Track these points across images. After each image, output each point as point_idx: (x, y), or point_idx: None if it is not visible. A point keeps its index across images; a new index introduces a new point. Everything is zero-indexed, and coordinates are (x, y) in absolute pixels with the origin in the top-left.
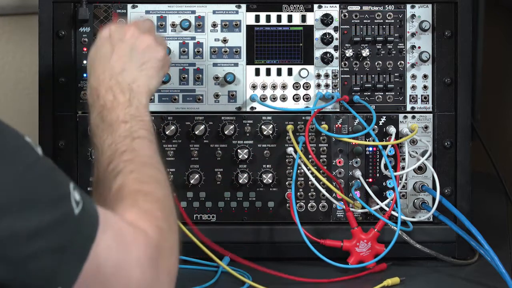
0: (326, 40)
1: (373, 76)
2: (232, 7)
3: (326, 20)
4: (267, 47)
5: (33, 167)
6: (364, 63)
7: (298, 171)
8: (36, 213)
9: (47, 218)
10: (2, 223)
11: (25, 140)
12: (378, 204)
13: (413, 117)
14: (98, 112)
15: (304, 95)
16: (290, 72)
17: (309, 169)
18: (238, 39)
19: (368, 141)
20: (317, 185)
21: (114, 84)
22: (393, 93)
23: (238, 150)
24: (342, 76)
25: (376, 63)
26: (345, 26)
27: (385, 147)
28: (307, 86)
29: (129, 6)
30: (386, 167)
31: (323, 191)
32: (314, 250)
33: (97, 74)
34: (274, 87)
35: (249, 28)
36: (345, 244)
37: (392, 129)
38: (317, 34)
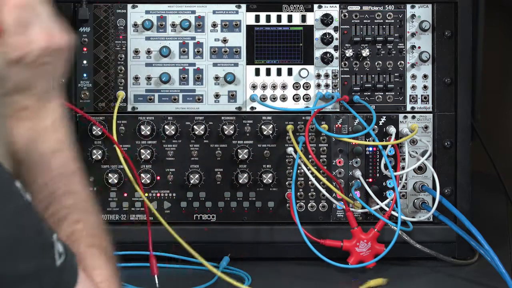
0: (326, 40)
1: (373, 76)
2: (232, 7)
3: (326, 20)
4: (267, 47)
5: (22, 212)
6: (364, 63)
7: (298, 171)
8: (23, 258)
9: (32, 264)
10: None
11: (15, 185)
12: (378, 204)
13: (413, 117)
14: None
15: (304, 95)
16: (290, 72)
17: (309, 169)
18: (238, 39)
19: (368, 141)
20: (317, 185)
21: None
22: (393, 93)
23: (238, 150)
24: (342, 76)
25: (376, 63)
26: (345, 26)
27: (385, 147)
28: (307, 86)
29: (129, 6)
30: (386, 167)
31: (323, 191)
32: (314, 250)
33: None
34: (274, 87)
35: (249, 28)
36: (345, 244)
37: (392, 129)
38: (317, 34)
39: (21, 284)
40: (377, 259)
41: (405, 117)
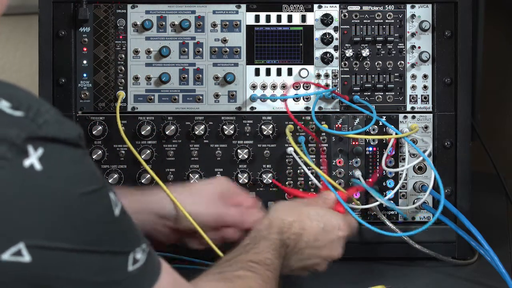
0: (326, 40)
1: (373, 76)
2: (232, 7)
3: (326, 20)
4: (267, 47)
5: (99, 225)
6: (364, 63)
7: (298, 171)
8: (94, 270)
9: (102, 276)
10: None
11: (108, 197)
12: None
13: (413, 117)
14: (279, 237)
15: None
16: (290, 72)
17: (309, 169)
18: (238, 39)
19: (368, 141)
20: (318, 184)
21: (302, 248)
22: (393, 93)
23: (238, 150)
24: (342, 76)
25: (376, 63)
26: (345, 26)
27: (385, 145)
28: (307, 86)
29: (129, 6)
30: (387, 165)
31: None
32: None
33: (296, 223)
34: (274, 87)
35: (249, 28)
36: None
37: (392, 129)
38: (317, 34)
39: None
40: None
41: (405, 117)
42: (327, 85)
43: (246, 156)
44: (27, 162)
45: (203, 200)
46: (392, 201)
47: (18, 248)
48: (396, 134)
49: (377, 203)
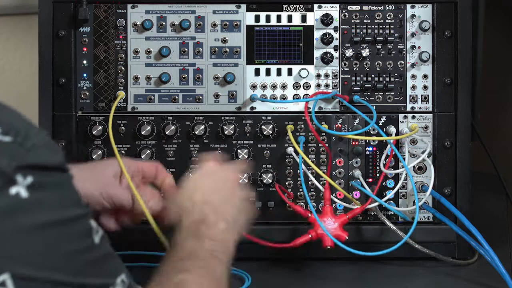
0: (326, 40)
1: (373, 76)
2: (232, 7)
3: (326, 20)
4: (267, 47)
5: (76, 256)
6: (364, 63)
7: (298, 171)
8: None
9: None
10: None
11: (86, 225)
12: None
13: (413, 117)
14: (194, 220)
15: (304, 95)
16: (290, 72)
17: (309, 169)
18: (238, 39)
19: (368, 141)
20: (317, 184)
21: (221, 213)
22: (393, 93)
23: (238, 150)
24: (342, 76)
25: (376, 63)
26: (345, 26)
27: (385, 145)
28: (307, 86)
29: (129, 6)
30: (385, 165)
31: (324, 190)
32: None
33: (197, 199)
34: (274, 87)
35: (249, 28)
36: (313, 216)
37: (392, 129)
38: (317, 34)
39: None
40: (338, 244)
41: (405, 117)
42: (327, 85)
43: (246, 156)
44: (13, 190)
45: (96, 179)
46: (392, 201)
47: (2, 279)
48: (388, 137)
49: (377, 203)
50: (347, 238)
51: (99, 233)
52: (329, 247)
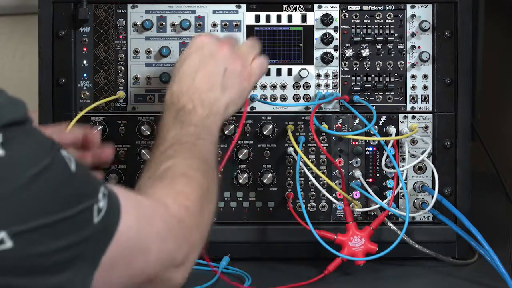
0: (326, 40)
1: (373, 76)
2: (232, 7)
3: (326, 20)
4: (267, 47)
5: (74, 178)
6: (364, 63)
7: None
8: (59, 236)
9: (69, 239)
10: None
11: (59, 155)
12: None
13: (413, 117)
14: (174, 111)
15: (304, 95)
16: (290, 72)
17: (309, 169)
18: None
19: (368, 141)
20: (317, 185)
21: (197, 99)
22: (393, 93)
23: (238, 150)
24: (342, 76)
25: (376, 63)
26: (345, 26)
27: (387, 143)
28: (307, 86)
29: (129, 6)
30: (387, 165)
31: (323, 190)
32: (315, 234)
33: (181, 82)
34: (274, 87)
35: (249, 28)
36: (338, 238)
37: (392, 129)
38: (317, 34)
39: (64, 252)
40: (369, 259)
41: (405, 117)
42: (327, 85)
43: (246, 156)
44: None
45: None
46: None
47: (1, 237)
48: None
49: (377, 205)
50: (377, 249)
51: (72, 160)
52: (361, 264)
